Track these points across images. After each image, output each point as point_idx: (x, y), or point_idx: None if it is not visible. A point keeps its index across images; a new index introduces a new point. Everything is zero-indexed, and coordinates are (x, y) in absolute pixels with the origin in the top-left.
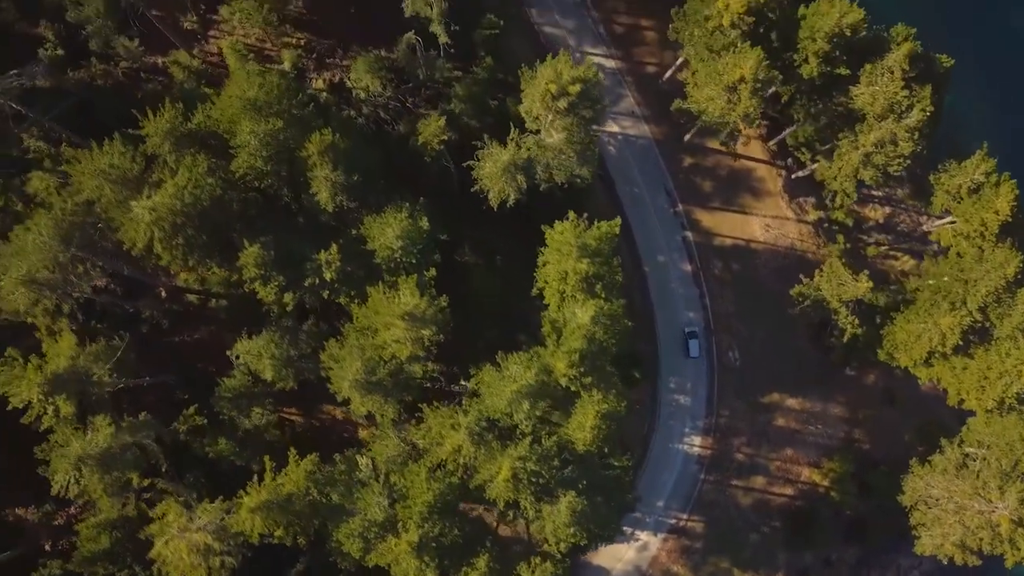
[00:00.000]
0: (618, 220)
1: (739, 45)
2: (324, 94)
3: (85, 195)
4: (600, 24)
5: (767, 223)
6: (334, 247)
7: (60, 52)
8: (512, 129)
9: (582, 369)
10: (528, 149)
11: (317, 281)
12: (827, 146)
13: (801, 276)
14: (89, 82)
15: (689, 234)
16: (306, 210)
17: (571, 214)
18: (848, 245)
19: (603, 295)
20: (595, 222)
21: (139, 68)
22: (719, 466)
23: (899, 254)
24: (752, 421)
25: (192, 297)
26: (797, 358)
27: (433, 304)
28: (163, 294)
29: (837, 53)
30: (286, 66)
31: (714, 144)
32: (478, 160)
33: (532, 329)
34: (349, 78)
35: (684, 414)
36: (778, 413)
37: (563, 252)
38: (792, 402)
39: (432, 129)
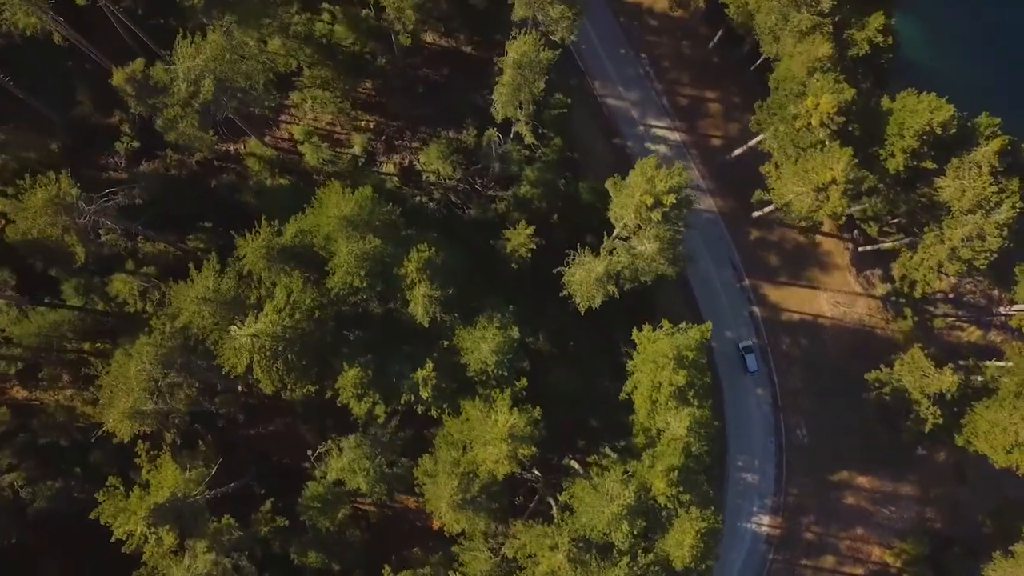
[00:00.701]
0: (709, 325)
1: (828, 143)
2: (395, 178)
3: (183, 320)
4: (663, 96)
5: (835, 298)
6: (429, 364)
7: (136, 144)
8: (602, 239)
9: (680, 488)
10: (620, 261)
11: (412, 398)
12: (896, 219)
13: (879, 364)
14: (164, 172)
15: (756, 309)
16: (400, 323)
17: (665, 323)
18: (916, 318)
19: (695, 402)
20: (685, 327)
21: (212, 157)
22: (788, 545)
23: (966, 325)
24: (821, 499)
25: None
26: (866, 436)
27: (529, 421)
28: (240, 388)
29: (925, 149)
30: (356, 150)
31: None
32: (567, 266)
33: (608, 417)
34: (419, 161)
35: (752, 492)
36: (847, 491)
37: (659, 364)
38: (862, 480)
39: (521, 239)
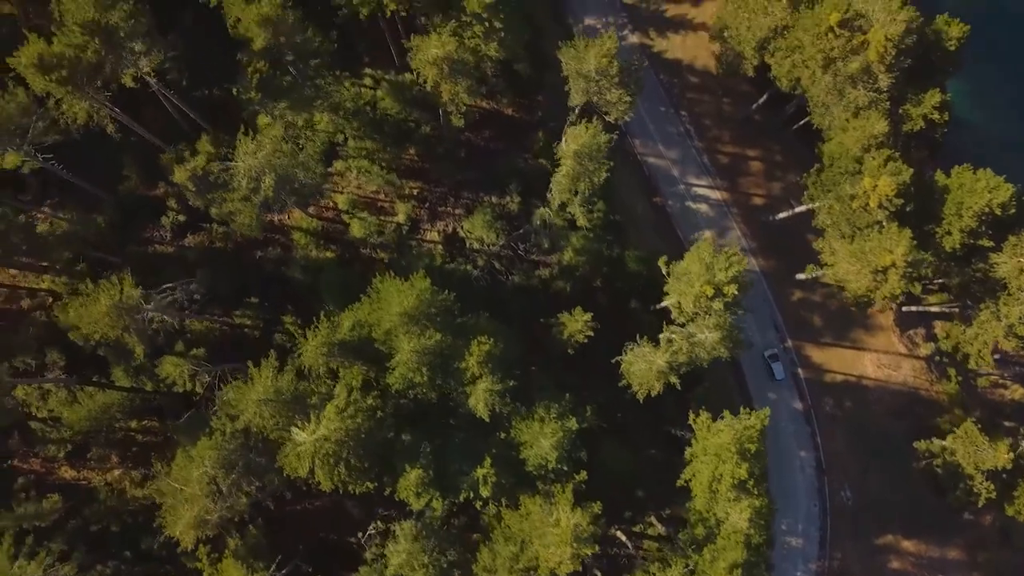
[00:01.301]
0: (767, 411)
1: (885, 224)
2: (439, 246)
3: (244, 421)
4: (704, 154)
5: (879, 358)
6: (488, 462)
7: (182, 218)
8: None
9: None
10: (679, 349)
11: (472, 494)
12: (940, 280)
13: (925, 425)
14: (208, 245)
15: (800, 370)
16: (457, 413)
17: (726, 414)
18: (960, 378)
19: (755, 491)
20: (744, 415)
21: None
22: None
23: (1009, 383)
24: (867, 564)
25: None
26: (912, 499)
27: (591, 519)
28: None
29: (982, 228)
30: (401, 218)
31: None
32: (625, 354)
33: (654, 487)
34: (462, 228)
35: (797, 556)
36: (893, 555)
37: (721, 457)
38: (907, 544)
39: (578, 325)
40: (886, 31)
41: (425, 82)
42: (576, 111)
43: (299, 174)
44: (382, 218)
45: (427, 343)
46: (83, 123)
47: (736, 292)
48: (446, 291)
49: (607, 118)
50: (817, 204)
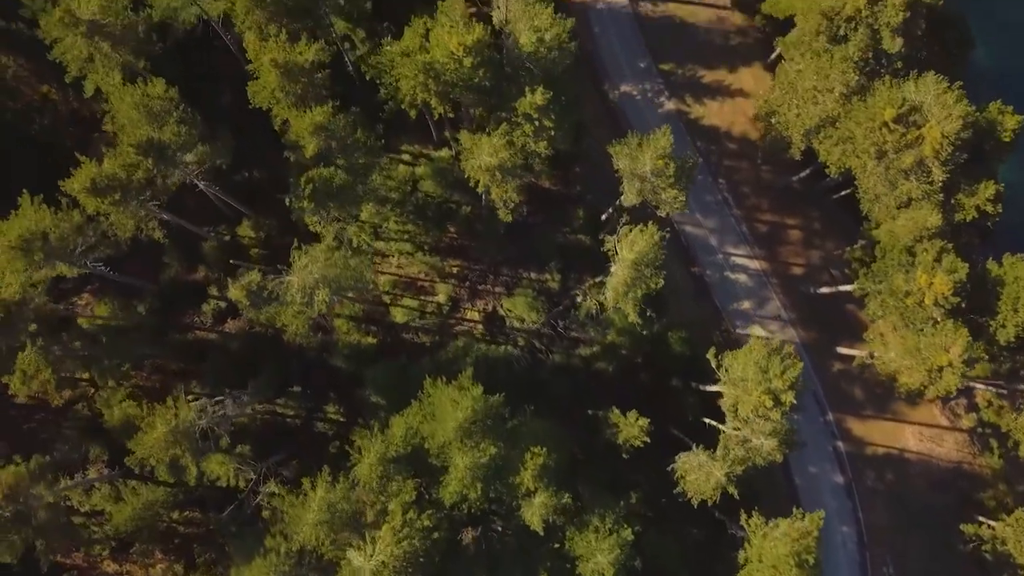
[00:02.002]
0: (822, 513)
1: (940, 321)
2: (479, 326)
3: (299, 541)
4: (742, 223)
5: (920, 431)
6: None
7: (223, 304)
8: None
9: None
10: (735, 457)
11: None
12: (988, 360)
13: (969, 499)
14: (248, 331)
15: (840, 443)
16: (513, 527)
17: (781, 522)
18: (1002, 450)
19: None
20: (797, 516)
21: None
22: None
23: None
24: None
25: None
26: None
27: None
28: None
29: None
30: (441, 299)
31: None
32: (677, 461)
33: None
34: (502, 306)
35: None
36: None
37: (779, 570)
38: None
39: (634, 431)
40: (942, 128)
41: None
42: (622, 208)
43: (351, 281)
44: (422, 298)
45: (482, 458)
46: (132, 235)
47: (794, 400)
48: (496, 394)
49: (658, 212)
50: (861, 287)
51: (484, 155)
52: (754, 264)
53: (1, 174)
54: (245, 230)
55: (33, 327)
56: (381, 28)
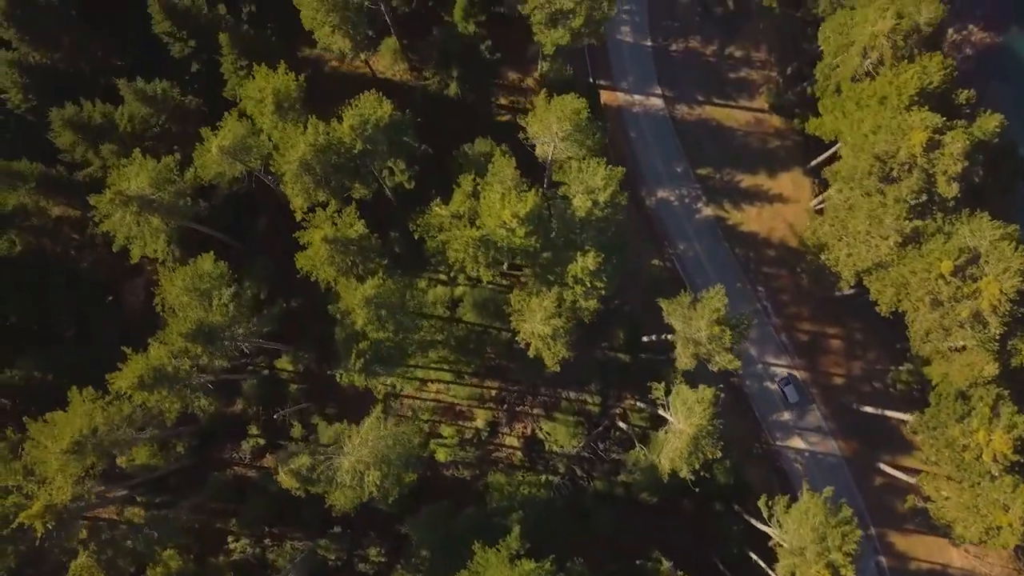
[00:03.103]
0: None
1: (999, 476)
2: (518, 452)
3: None
4: (782, 332)
5: (964, 546)
6: None
7: (262, 441)
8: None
9: None
10: None
11: None
12: None
13: None
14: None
15: (883, 559)
16: None
17: None
18: None
19: None
20: None
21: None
22: None
23: None
24: None
25: None
26: None
27: None
28: None
29: None
30: (480, 424)
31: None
32: None
33: None
34: (541, 428)
35: None
36: None
37: None
38: None
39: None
40: (1000, 284)
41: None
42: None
43: (402, 459)
44: (461, 423)
45: None
46: (178, 415)
47: (853, 574)
48: (546, 562)
49: (709, 366)
50: (914, 429)
51: (537, 323)
52: (794, 374)
53: (42, 314)
54: (283, 363)
55: (84, 533)
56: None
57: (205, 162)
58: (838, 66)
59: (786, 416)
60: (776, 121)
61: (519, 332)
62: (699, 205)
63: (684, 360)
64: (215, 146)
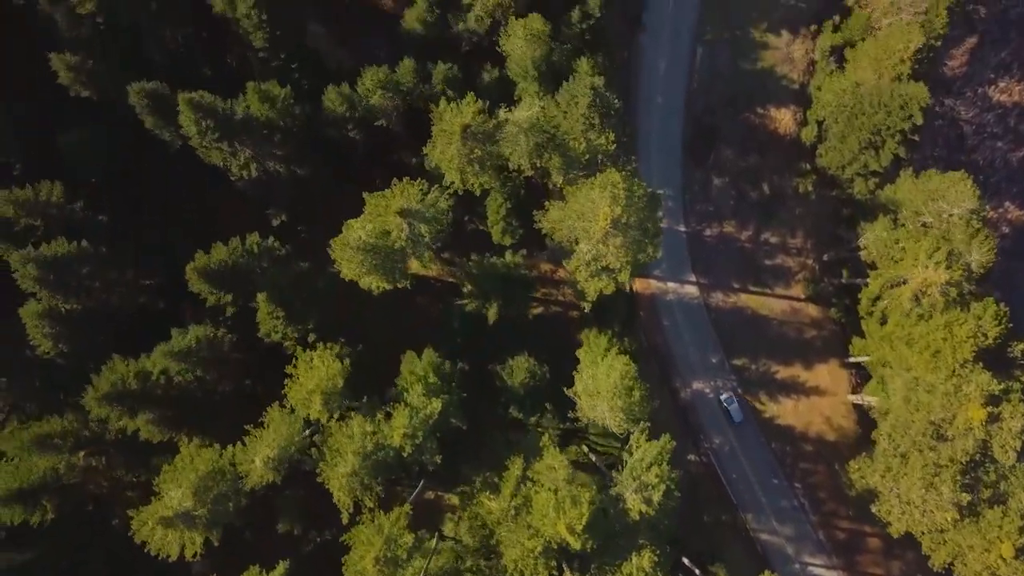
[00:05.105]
0: None
1: None
2: None
3: None
4: (819, 530)
5: None
6: None
7: None
8: None
9: None
10: None
11: None
12: None
13: None
14: None
15: None
16: None
17: None
18: None
19: None
20: None
21: None
22: None
23: None
24: None
25: None
26: None
27: None
28: None
29: None
30: None
31: None
32: None
33: None
34: None
35: None
36: None
37: None
38: None
39: None
40: None
41: None
42: None
43: None
44: None
45: None
46: None
47: None
48: None
49: None
50: None
51: None
52: (831, 575)
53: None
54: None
55: None
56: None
57: (249, 471)
58: (881, 296)
59: None
60: (813, 310)
61: None
62: (733, 397)
63: None
64: (259, 458)
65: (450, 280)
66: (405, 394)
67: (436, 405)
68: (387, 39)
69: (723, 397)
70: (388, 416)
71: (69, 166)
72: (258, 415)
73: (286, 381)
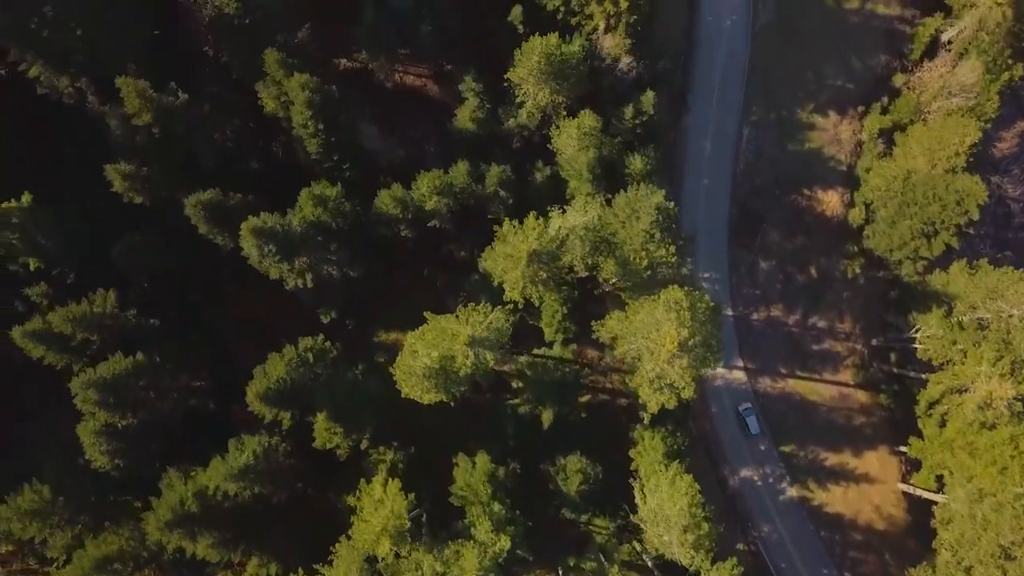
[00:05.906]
0: None
1: None
2: None
3: None
4: None
5: None
6: None
7: None
8: None
9: None
10: None
11: None
12: None
13: None
14: None
15: None
16: None
17: None
18: None
19: None
20: None
21: None
22: None
23: None
24: None
25: None
26: None
27: None
28: None
29: None
30: None
31: None
32: None
33: None
34: None
35: None
36: None
37: None
38: None
39: None
40: None
41: None
42: None
43: None
44: None
45: None
46: None
47: None
48: None
49: None
50: None
51: None
52: None
53: None
54: None
55: None
56: None
57: None
58: (939, 400)
59: None
60: (862, 396)
61: None
62: (783, 485)
63: None
64: None
65: (502, 370)
66: (472, 529)
67: (505, 543)
68: (436, 130)
69: (741, 408)
70: (456, 555)
71: (121, 271)
72: (310, 522)
73: (352, 517)
